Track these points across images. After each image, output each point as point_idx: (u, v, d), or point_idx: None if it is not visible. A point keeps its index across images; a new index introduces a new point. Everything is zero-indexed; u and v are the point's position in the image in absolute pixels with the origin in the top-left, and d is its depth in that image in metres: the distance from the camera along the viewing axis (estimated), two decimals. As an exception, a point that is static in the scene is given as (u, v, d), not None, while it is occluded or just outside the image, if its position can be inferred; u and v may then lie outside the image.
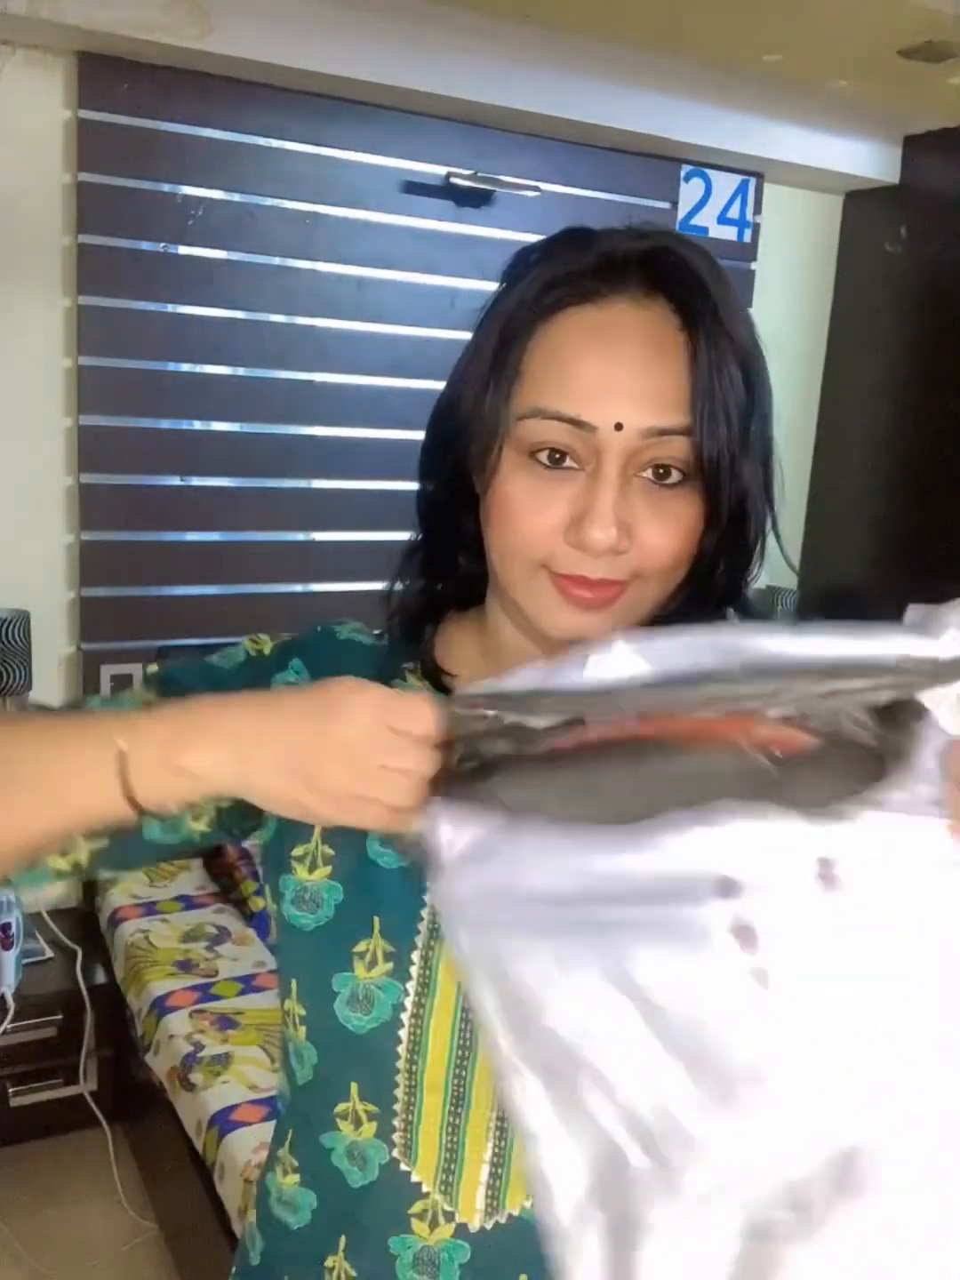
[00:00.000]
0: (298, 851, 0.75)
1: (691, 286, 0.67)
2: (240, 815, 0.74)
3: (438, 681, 0.77)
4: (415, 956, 0.71)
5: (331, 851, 0.74)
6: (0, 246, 2.32)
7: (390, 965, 0.70)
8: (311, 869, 0.74)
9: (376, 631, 0.82)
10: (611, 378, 0.66)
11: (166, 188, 2.42)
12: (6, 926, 2.22)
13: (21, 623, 2.35)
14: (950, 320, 2.99)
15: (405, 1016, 0.70)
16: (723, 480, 0.68)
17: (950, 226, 2.98)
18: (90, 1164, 2.32)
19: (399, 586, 0.80)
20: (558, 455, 0.67)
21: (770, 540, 0.75)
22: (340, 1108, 0.73)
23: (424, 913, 0.73)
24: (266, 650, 0.80)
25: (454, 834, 0.56)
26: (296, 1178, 0.76)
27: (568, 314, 0.68)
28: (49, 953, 2.37)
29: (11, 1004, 2.19)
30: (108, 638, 2.52)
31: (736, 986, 0.50)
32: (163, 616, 2.55)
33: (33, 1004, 2.23)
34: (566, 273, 0.68)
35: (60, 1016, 2.27)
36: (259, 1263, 0.81)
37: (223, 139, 2.45)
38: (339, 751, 0.57)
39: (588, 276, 0.68)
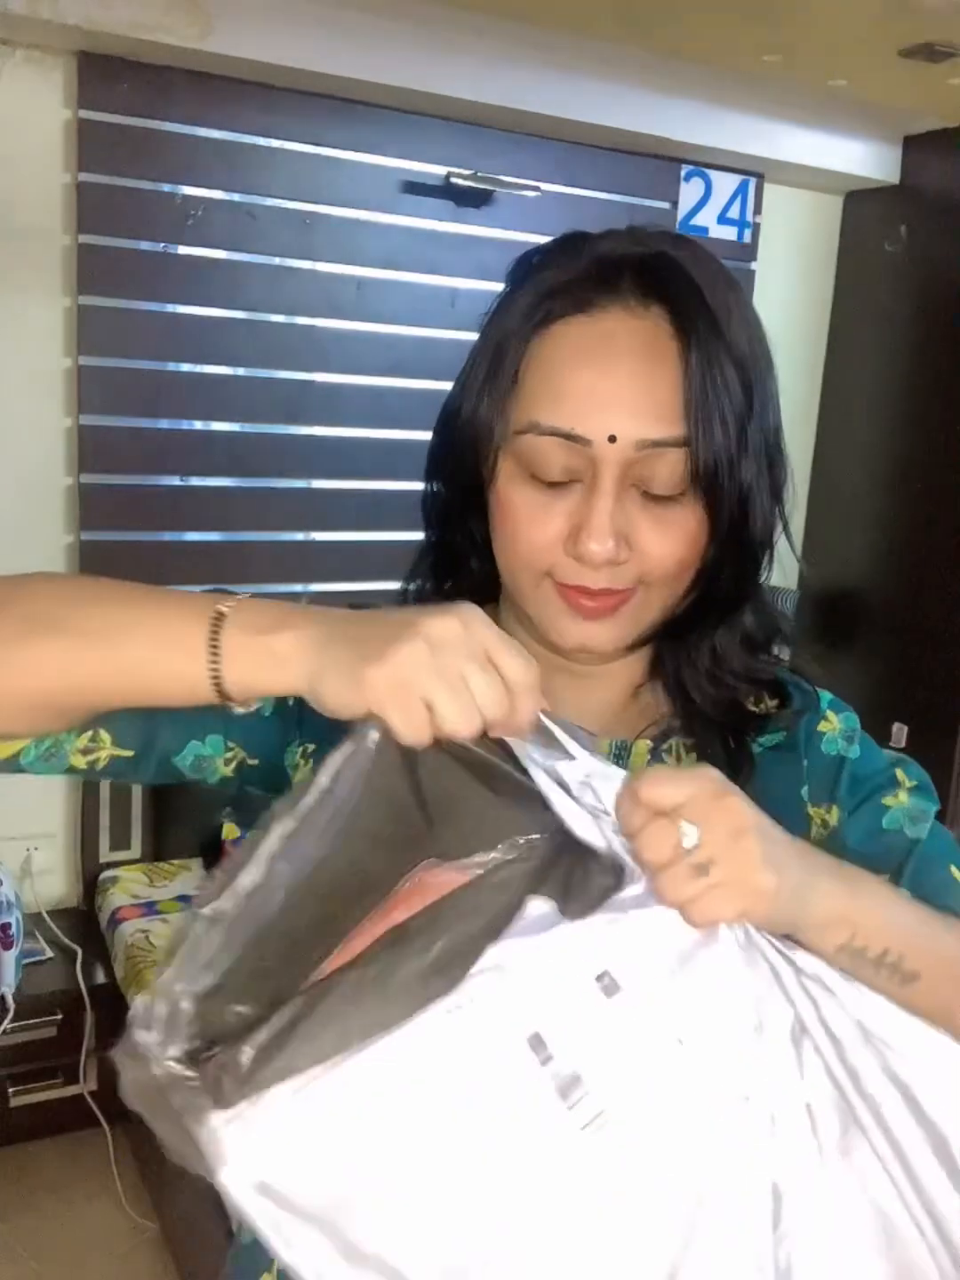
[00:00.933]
0: None
1: (686, 292, 0.67)
2: (265, 774, 0.75)
3: None
4: None
5: None
6: (0, 246, 2.32)
7: None
8: None
9: None
10: (604, 390, 0.66)
11: (166, 188, 2.42)
12: (6, 926, 2.22)
13: (21, 623, 2.35)
14: (950, 320, 2.98)
15: None
16: (722, 487, 0.67)
17: (950, 226, 2.98)
18: (90, 1164, 2.32)
19: (411, 587, 0.80)
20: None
21: (782, 543, 0.75)
22: None
23: None
24: None
25: (253, 1154, 0.51)
26: None
27: (562, 325, 0.68)
28: (49, 953, 2.37)
29: (11, 1004, 2.19)
30: (108, 638, 2.52)
31: (577, 1147, 0.49)
32: (163, 616, 2.55)
33: (33, 1004, 2.23)
34: (563, 281, 0.68)
35: (60, 1016, 2.27)
36: (251, 1241, 0.80)
37: (223, 139, 2.45)
38: (422, 639, 0.53)
39: (582, 285, 0.68)
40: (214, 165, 2.45)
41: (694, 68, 2.69)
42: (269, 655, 0.57)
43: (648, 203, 2.94)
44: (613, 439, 0.65)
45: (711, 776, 0.56)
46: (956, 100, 2.73)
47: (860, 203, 3.24)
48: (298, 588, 2.69)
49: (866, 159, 3.06)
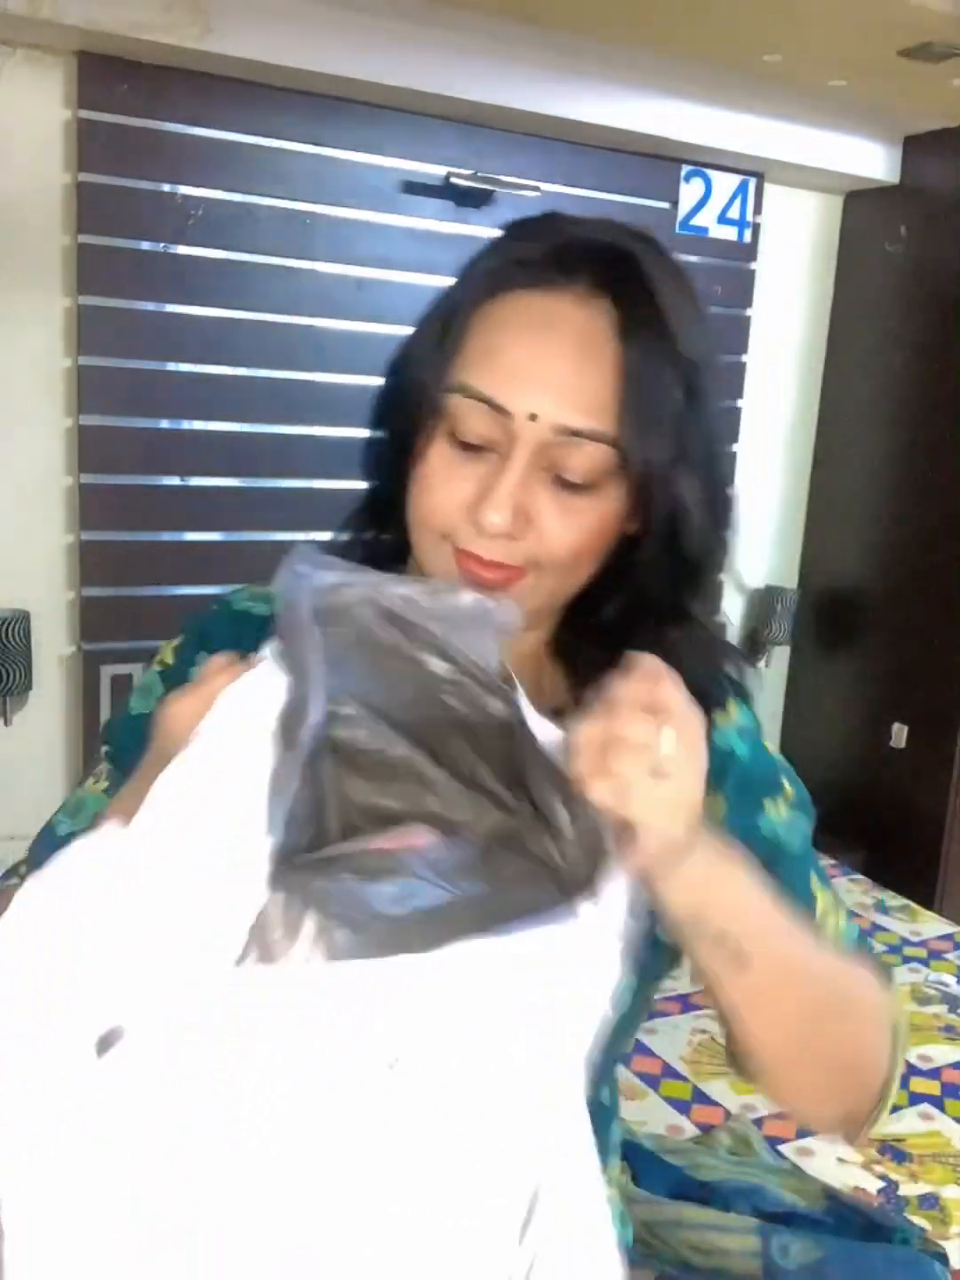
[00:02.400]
0: None
1: (639, 293, 0.67)
2: None
3: None
4: None
5: None
6: (0, 246, 2.32)
7: None
8: None
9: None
10: (535, 368, 0.66)
11: (166, 188, 2.42)
12: (6, 926, 2.22)
13: (21, 623, 2.35)
14: (950, 320, 2.99)
15: None
16: (652, 493, 0.68)
17: (950, 226, 2.98)
18: (90, 1164, 2.32)
19: (346, 536, 0.82)
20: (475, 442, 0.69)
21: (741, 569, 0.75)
22: None
23: None
24: (170, 660, 0.84)
25: None
26: None
27: (513, 296, 0.69)
28: (49, 953, 2.37)
29: (11, 1004, 2.19)
30: (108, 638, 2.52)
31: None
32: (163, 616, 2.55)
33: (33, 1004, 2.23)
34: (528, 254, 0.69)
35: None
36: None
37: (223, 139, 2.45)
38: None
39: (543, 262, 0.68)
40: (214, 165, 2.45)
41: (694, 68, 2.69)
42: None
43: (648, 203, 2.94)
44: (533, 417, 0.66)
45: (698, 715, 0.58)
46: (956, 100, 2.73)
47: (860, 203, 3.25)
48: (298, 588, 2.69)
49: (866, 159, 3.06)
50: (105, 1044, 0.49)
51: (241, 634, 0.81)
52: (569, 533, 0.68)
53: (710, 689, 0.74)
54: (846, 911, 0.79)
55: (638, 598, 0.73)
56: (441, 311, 0.71)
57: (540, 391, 0.66)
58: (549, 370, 0.66)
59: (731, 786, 0.76)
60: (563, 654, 0.78)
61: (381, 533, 0.80)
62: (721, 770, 0.75)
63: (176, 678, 0.80)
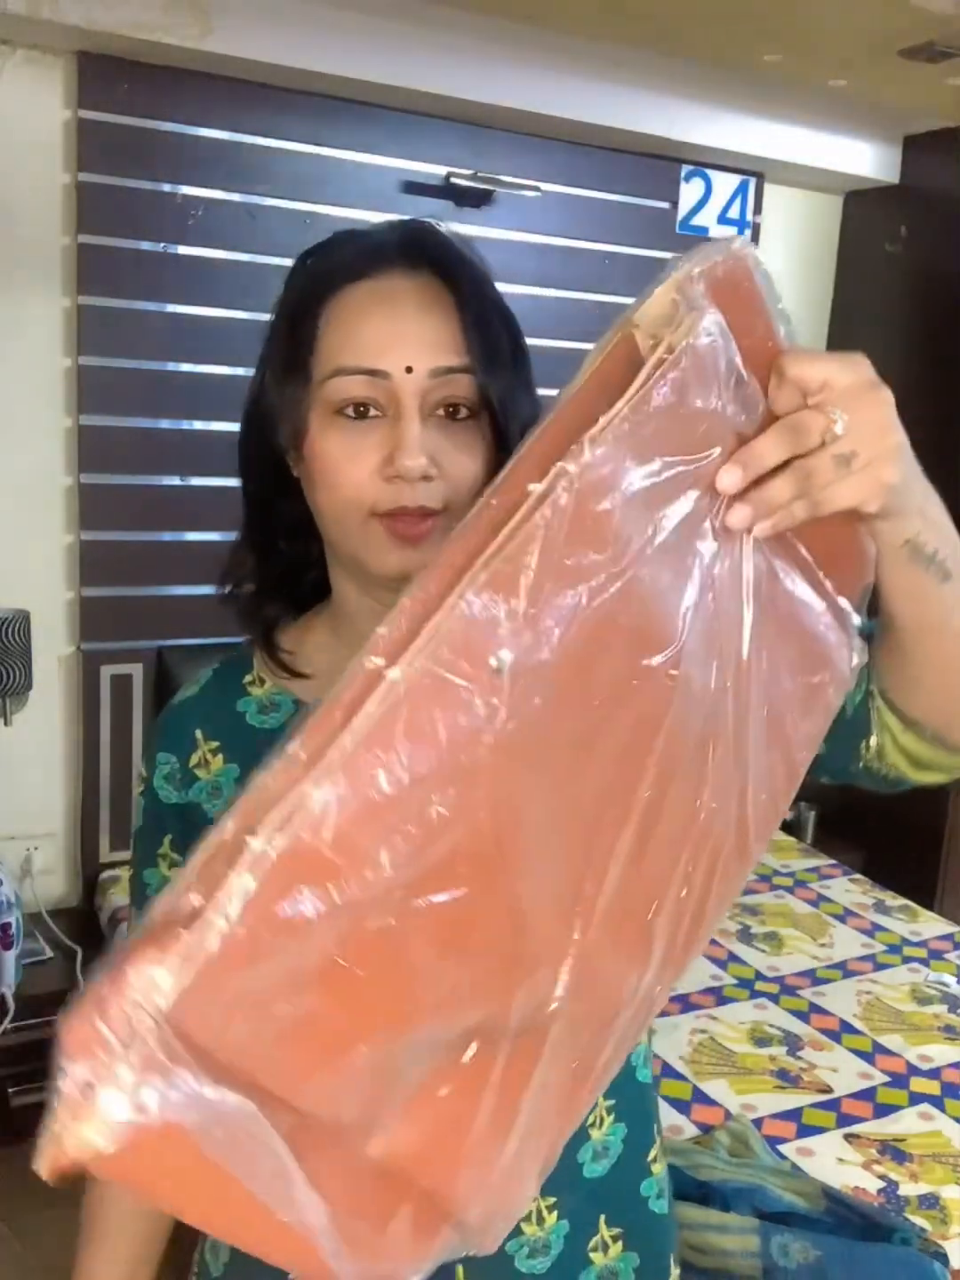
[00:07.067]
0: None
1: (448, 257, 0.79)
2: None
3: (295, 677, 0.85)
4: None
5: None
6: (0, 246, 2.32)
7: None
8: None
9: (203, 676, 0.90)
10: (395, 331, 0.75)
11: (166, 188, 2.42)
12: (6, 926, 2.23)
13: (21, 623, 2.35)
14: (950, 321, 2.99)
15: None
16: (510, 411, 0.78)
17: (950, 226, 2.98)
18: (90, 1164, 2.32)
19: (234, 588, 0.87)
20: (362, 407, 0.75)
21: None
22: None
23: None
24: (145, 771, 0.90)
25: None
26: None
27: (347, 290, 0.77)
28: (49, 953, 2.37)
29: (11, 1004, 2.19)
30: (107, 638, 2.52)
31: None
32: (162, 616, 2.56)
33: (33, 1004, 2.23)
34: (339, 260, 0.79)
35: (60, 1016, 2.27)
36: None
37: (223, 139, 2.45)
38: None
39: (357, 260, 0.78)
40: (214, 165, 2.45)
41: (694, 68, 2.69)
42: None
43: (648, 203, 2.94)
44: (409, 369, 0.74)
45: (865, 363, 0.57)
46: (956, 100, 2.74)
47: (860, 203, 3.25)
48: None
49: (866, 159, 3.07)
50: None
51: (187, 724, 0.88)
52: (467, 464, 0.76)
53: None
54: None
55: None
56: (282, 336, 0.80)
57: (407, 347, 0.75)
58: (407, 329, 0.75)
59: None
60: None
61: (281, 550, 0.87)
62: None
63: (151, 787, 0.89)
